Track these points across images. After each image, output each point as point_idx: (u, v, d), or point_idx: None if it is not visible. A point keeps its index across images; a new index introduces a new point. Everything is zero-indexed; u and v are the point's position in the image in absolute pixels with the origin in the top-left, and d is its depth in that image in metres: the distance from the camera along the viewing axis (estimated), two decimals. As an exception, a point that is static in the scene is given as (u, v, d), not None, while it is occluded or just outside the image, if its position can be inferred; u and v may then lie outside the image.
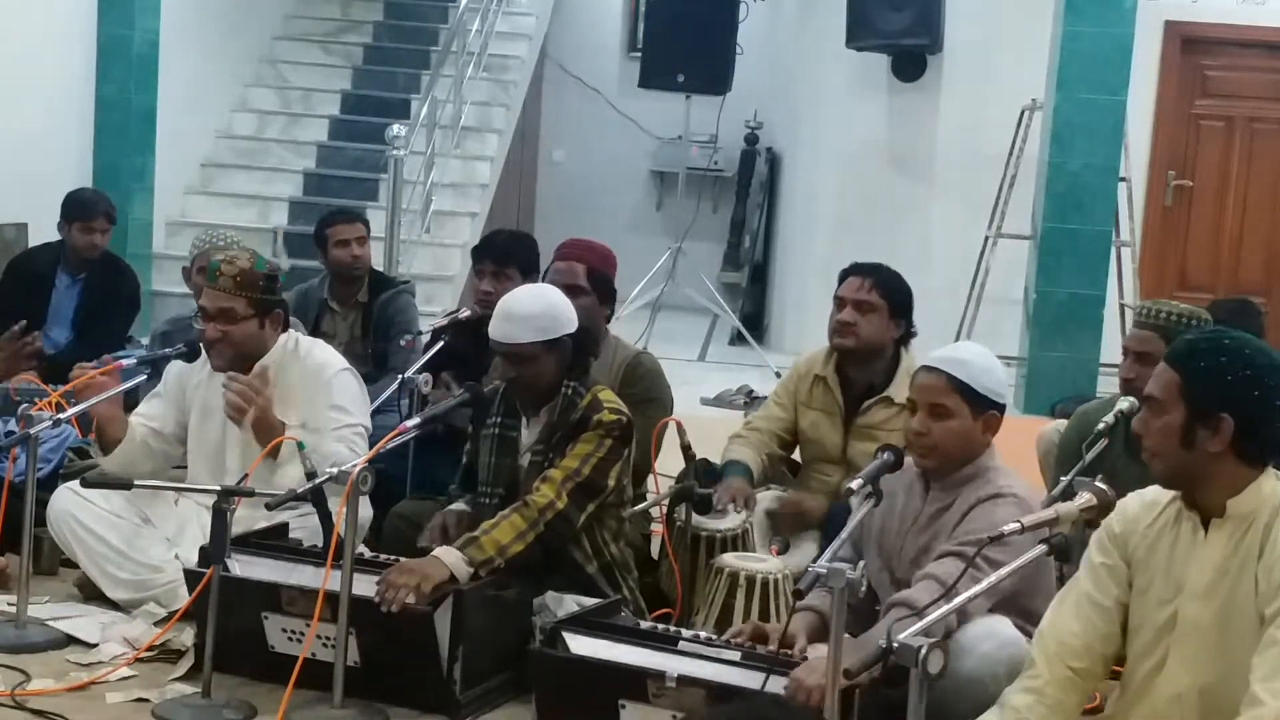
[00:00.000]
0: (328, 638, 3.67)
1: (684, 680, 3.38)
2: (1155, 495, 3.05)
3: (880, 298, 4.61)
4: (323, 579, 3.62)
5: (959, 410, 3.60)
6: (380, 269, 7.56)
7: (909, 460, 3.69)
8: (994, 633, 3.39)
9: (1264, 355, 2.91)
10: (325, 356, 4.58)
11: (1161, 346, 4.40)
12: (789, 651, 3.42)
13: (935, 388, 3.62)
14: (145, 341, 6.60)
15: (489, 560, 3.79)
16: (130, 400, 4.99)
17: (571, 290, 4.53)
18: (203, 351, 4.54)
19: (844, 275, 4.72)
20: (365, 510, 4.46)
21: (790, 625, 3.49)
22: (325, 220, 6.29)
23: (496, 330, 4.06)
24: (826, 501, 4.57)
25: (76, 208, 6.80)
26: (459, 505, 4.26)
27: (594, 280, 4.75)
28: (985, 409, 3.62)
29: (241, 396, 4.31)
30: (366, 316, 6.12)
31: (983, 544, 3.00)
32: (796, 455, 4.94)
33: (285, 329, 4.54)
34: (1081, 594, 3.06)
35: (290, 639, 3.81)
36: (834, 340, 4.68)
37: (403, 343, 5.56)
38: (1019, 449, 4.36)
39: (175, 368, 4.63)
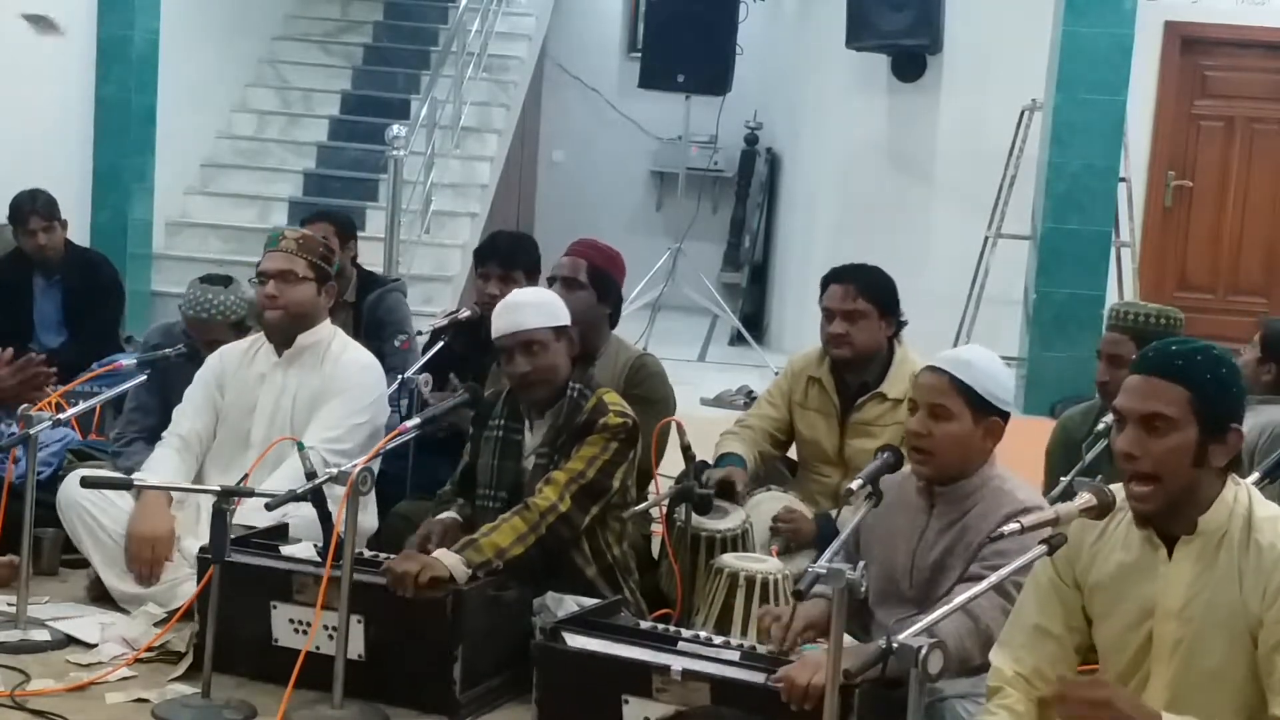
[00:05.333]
0: (333, 629, 3.67)
1: (688, 674, 3.37)
2: None
3: (868, 303, 4.58)
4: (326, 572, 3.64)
5: (960, 413, 3.48)
6: (380, 269, 7.55)
7: (905, 473, 3.59)
8: None
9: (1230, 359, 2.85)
10: (355, 356, 4.62)
11: (1132, 349, 4.32)
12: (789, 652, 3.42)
13: (937, 388, 3.51)
14: (143, 340, 6.58)
15: (487, 563, 3.79)
16: (121, 400, 4.98)
17: (570, 284, 4.65)
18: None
19: (825, 284, 4.66)
20: (370, 520, 4.46)
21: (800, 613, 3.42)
22: (302, 220, 6.27)
23: (504, 323, 4.04)
24: (816, 525, 4.50)
25: (11, 214, 6.76)
26: (449, 513, 4.18)
27: (593, 276, 4.74)
28: (988, 414, 3.50)
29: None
30: (357, 317, 6.09)
31: (983, 543, 2.96)
32: (793, 454, 4.94)
33: (337, 302, 4.63)
34: (1030, 625, 2.96)
35: (296, 631, 3.82)
36: (830, 352, 4.67)
37: (398, 343, 5.54)
38: (1019, 449, 4.34)
39: (216, 360, 4.63)
